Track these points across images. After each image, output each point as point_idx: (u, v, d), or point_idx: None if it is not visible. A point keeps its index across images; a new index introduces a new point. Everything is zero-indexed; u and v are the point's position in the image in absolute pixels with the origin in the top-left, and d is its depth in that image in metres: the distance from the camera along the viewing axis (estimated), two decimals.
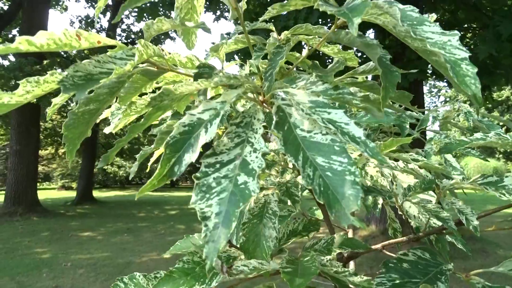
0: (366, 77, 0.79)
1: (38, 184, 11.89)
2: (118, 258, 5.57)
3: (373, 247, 0.82)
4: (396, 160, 0.94)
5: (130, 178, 0.77)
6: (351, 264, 1.02)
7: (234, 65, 1.01)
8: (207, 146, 0.43)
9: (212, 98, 0.75)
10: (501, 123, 1.42)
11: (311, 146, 0.42)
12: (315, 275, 0.55)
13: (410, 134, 1.30)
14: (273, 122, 0.46)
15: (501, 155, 25.04)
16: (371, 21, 0.56)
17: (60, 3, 16.72)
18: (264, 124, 0.47)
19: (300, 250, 0.78)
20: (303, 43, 0.73)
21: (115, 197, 16.15)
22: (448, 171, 0.87)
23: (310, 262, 0.60)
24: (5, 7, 12.97)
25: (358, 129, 0.41)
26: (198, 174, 0.40)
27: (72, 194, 15.28)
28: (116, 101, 0.66)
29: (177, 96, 0.52)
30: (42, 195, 12.58)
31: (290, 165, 1.03)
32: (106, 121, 0.84)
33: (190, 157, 0.39)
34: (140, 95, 0.67)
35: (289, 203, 0.92)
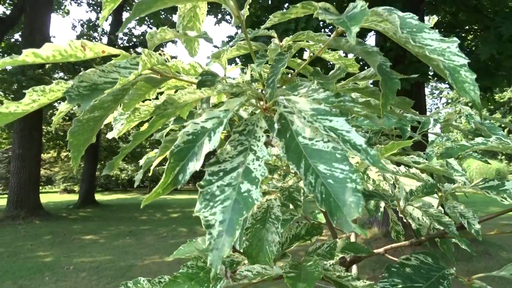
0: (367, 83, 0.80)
1: (40, 187, 11.92)
2: (120, 261, 5.58)
3: (375, 251, 0.83)
4: (398, 163, 0.94)
5: (135, 186, 0.78)
6: (354, 268, 1.02)
7: (236, 69, 1.01)
8: (209, 152, 0.44)
9: (215, 105, 0.75)
10: (502, 125, 1.42)
11: (313, 153, 0.43)
12: (318, 280, 0.56)
13: (412, 137, 1.30)
14: (276, 129, 0.46)
15: (503, 157, 24.97)
16: (372, 28, 0.57)
17: (62, 7, 16.82)
18: (266, 127, 0.48)
19: (302, 253, 0.78)
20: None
21: (117, 200, 16.18)
22: (450, 173, 0.87)
23: (313, 266, 0.60)
24: (7, 11, 13.05)
25: (359, 137, 0.42)
26: (202, 183, 0.40)
27: (74, 197, 15.31)
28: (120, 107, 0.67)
29: (180, 104, 0.53)
30: (44, 198, 12.61)
31: (292, 170, 1.03)
32: (108, 125, 0.85)
33: (194, 165, 0.40)
34: (143, 100, 0.68)
35: (291, 206, 0.93)
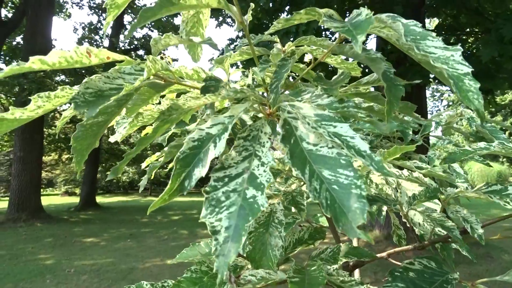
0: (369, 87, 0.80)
1: (41, 190, 11.93)
2: (121, 264, 5.57)
3: (378, 255, 0.83)
4: (400, 168, 0.94)
5: (140, 191, 0.78)
6: (356, 271, 1.02)
7: (238, 72, 1.02)
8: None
9: (219, 111, 0.76)
10: (504, 128, 1.42)
11: (317, 159, 0.43)
12: (322, 285, 0.56)
13: (413, 140, 1.30)
14: (280, 135, 0.47)
15: (504, 159, 24.91)
16: (375, 33, 0.57)
17: (64, 10, 16.88)
18: (270, 133, 0.48)
19: (304, 255, 0.78)
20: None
21: (118, 203, 16.16)
22: (452, 179, 0.87)
23: (317, 271, 0.60)
24: (9, 15, 13.11)
25: (363, 143, 0.42)
26: (207, 188, 0.40)
27: (76, 200, 15.32)
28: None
29: (185, 110, 0.53)
30: (45, 201, 12.61)
31: (295, 174, 1.03)
32: (109, 128, 0.86)
33: (200, 171, 0.40)
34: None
35: (293, 209, 0.93)
